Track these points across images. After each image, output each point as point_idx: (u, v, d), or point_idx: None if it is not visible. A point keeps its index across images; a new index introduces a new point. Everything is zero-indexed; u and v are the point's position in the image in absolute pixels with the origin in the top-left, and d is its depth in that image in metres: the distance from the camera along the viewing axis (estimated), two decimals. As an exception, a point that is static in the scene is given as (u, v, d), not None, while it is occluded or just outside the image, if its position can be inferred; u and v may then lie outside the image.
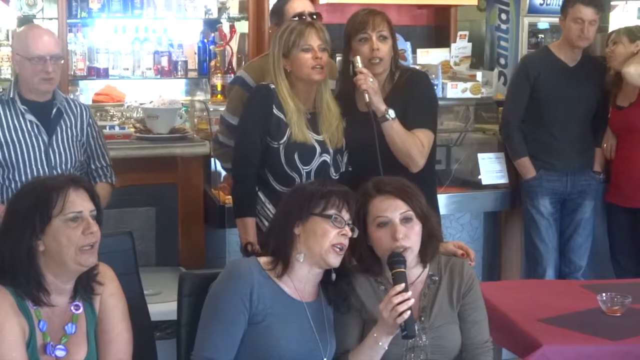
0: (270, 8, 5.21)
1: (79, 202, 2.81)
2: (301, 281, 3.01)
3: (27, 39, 3.94)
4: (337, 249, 2.95)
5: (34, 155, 3.91)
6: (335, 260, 2.96)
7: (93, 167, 4.12)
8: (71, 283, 2.85)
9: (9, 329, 2.70)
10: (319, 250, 2.94)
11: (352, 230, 2.99)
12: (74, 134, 4.02)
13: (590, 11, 5.16)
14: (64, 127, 4.00)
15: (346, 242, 2.97)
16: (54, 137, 3.95)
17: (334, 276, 3.03)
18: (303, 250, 2.96)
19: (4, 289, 2.75)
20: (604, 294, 3.61)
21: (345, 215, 2.98)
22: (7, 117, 3.91)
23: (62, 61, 4.04)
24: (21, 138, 3.91)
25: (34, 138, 3.92)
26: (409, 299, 2.85)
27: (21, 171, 3.91)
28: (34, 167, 3.90)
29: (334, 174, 3.91)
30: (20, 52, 3.92)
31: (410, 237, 3.03)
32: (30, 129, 3.93)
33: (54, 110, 3.99)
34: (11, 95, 3.93)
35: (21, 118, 3.92)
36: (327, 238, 2.93)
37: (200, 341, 2.93)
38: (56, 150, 3.96)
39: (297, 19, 4.09)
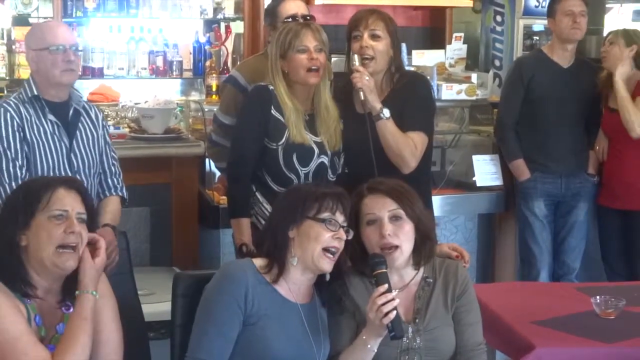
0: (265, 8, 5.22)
1: (66, 201, 2.81)
2: (295, 283, 3.01)
3: (42, 31, 3.78)
4: (329, 255, 2.94)
5: (57, 159, 3.72)
6: (327, 266, 2.96)
7: (101, 171, 3.90)
8: (57, 284, 2.85)
9: (8, 305, 2.70)
10: (312, 254, 2.93)
11: (347, 232, 2.99)
12: (93, 136, 3.85)
13: (578, 2, 5.24)
14: (82, 130, 3.82)
15: (340, 244, 2.96)
16: (74, 141, 3.78)
17: (327, 276, 3.03)
18: (298, 254, 2.96)
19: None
20: (598, 297, 3.61)
21: (340, 218, 2.98)
22: (32, 116, 3.70)
23: (81, 53, 3.86)
24: (44, 139, 3.70)
25: (56, 140, 3.73)
26: (393, 299, 2.85)
27: (44, 175, 3.68)
28: (56, 172, 3.68)
29: (331, 176, 3.91)
30: (36, 46, 3.72)
31: (399, 236, 3.02)
32: (52, 130, 3.73)
33: (71, 111, 3.79)
34: (35, 93, 3.71)
35: (42, 118, 3.72)
36: (320, 241, 2.93)
37: (194, 343, 2.92)
38: (78, 154, 3.78)
39: (290, 20, 4.09)
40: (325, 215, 2.95)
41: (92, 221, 2.92)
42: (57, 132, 3.74)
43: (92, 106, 3.96)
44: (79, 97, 3.88)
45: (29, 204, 2.79)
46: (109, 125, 5.11)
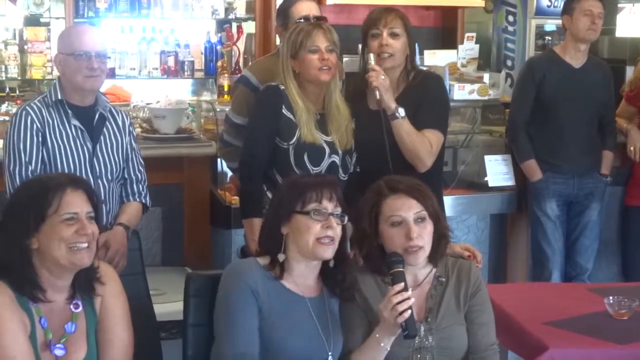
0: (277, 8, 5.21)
1: (75, 203, 2.81)
2: (301, 277, 3.02)
3: (71, 36, 3.78)
4: (325, 241, 2.94)
5: (79, 163, 3.70)
6: (325, 253, 2.96)
7: (127, 177, 3.88)
8: (67, 280, 2.85)
9: (11, 320, 2.70)
10: (306, 247, 2.94)
11: (341, 217, 2.99)
12: (117, 142, 3.83)
13: (597, 3, 5.22)
14: (107, 135, 3.80)
15: (334, 233, 2.95)
16: (97, 146, 3.77)
17: (332, 263, 3.02)
18: (294, 248, 2.97)
19: (3, 284, 2.75)
20: (611, 297, 3.60)
21: (329, 205, 2.97)
22: (55, 120, 3.70)
23: (109, 59, 3.86)
24: (66, 144, 3.70)
25: (79, 145, 3.71)
26: (408, 298, 2.85)
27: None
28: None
29: (343, 175, 3.90)
30: (63, 49, 3.72)
31: (424, 237, 3.04)
32: (75, 134, 3.70)
33: (97, 116, 3.77)
34: (59, 97, 3.70)
35: (66, 123, 3.71)
36: (311, 233, 2.93)
37: (223, 342, 2.90)
38: (100, 159, 3.76)
39: (302, 21, 4.09)
40: (311, 206, 2.96)
41: (98, 217, 2.91)
42: (80, 137, 3.73)
43: (119, 111, 3.94)
44: (106, 101, 3.87)
45: (38, 208, 2.78)
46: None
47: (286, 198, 3.01)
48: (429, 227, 3.06)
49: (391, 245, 3.05)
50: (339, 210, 3.00)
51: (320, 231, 2.94)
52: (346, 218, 3.01)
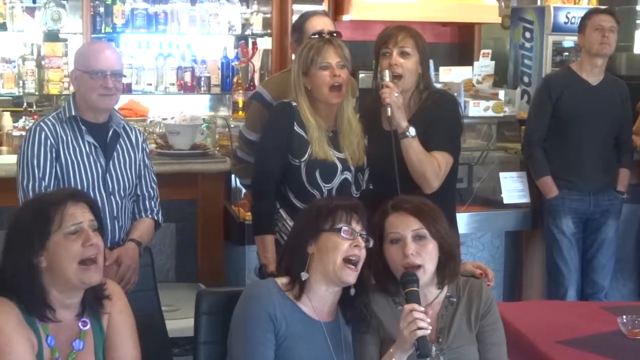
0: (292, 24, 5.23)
1: (78, 214, 2.82)
2: (320, 301, 2.99)
3: (87, 53, 3.78)
4: (351, 265, 2.93)
5: (92, 180, 3.71)
6: (350, 278, 2.94)
7: (139, 194, 3.88)
8: (77, 298, 2.85)
9: (18, 341, 2.70)
10: (332, 266, 2.92)
11: (367, 240, 2.98)
12: (130, 159, 3.83)
13: (608, 17, 5.25)
14: (120, 152, 3.81)
15: (360, 253, 2.95)
16: (111, 162, 3.77)
17: (352, 291, 3.00)
18: (318, 268, 2.95)
19: (10, 303, 2.75)
20: (624, 317, 3.57)
21: (356, 227, 2.97)
22: (69, 136, 3.71)
23: (124, 78, 3.87)
24: (79, 159, 3.70)
25: (92, 161, 3.72)
26: (424, 320, 2.82)
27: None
28: (90, 192, 3.61)
29: (355, 192, 3.88)
30: (80, 67, 3.73)
31: (423, 255, 3.01)
32: (89, 151, 3.72)
33: (110, 132, 3.79)
34: (73, 113, 3.72)
35: (80, 139, 3.72)
36: (339, 251, 2.92)
37: None
38: (113, 176, 3.76)
39: (316, 36, 4.09)
40: (340, 225, 2.95)
41: (102, 231, 2.92)
42: (93, 153, 3.73)
43: (133, 128, 3.94)
44: (120, 118, 3.88)
45: (42, 226, 2.79)
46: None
47: (314, 217, 3.00)
48: (429, 246, 3.02)
49: (392, 264, 3.03)
50: (364, 232, 2.99)
51: (348, 249, 2.93)
52: (371, 242, 3.00)
